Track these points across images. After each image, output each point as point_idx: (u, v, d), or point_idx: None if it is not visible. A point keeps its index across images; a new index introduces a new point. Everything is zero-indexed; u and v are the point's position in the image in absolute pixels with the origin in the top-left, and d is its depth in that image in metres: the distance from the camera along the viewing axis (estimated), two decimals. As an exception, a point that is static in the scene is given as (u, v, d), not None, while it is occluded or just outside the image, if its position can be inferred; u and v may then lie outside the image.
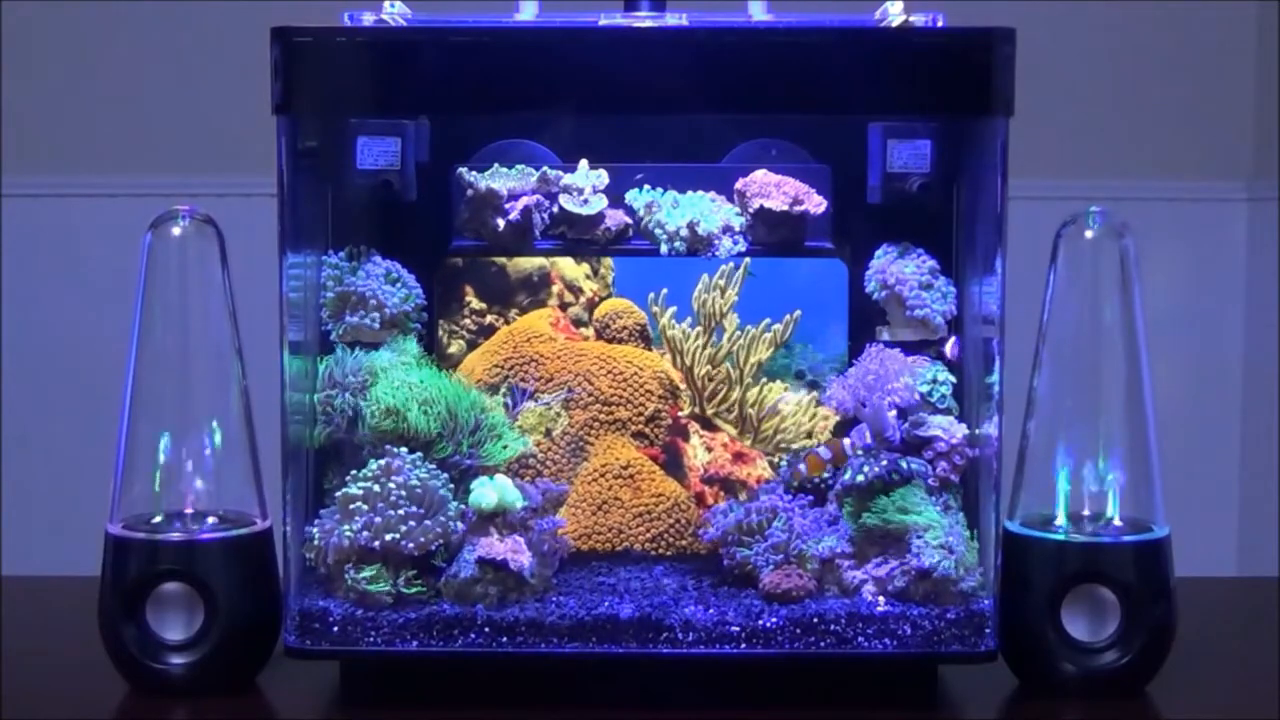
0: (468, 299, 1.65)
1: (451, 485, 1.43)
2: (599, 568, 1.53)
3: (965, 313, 1.50)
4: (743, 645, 1.40)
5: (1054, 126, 2.87)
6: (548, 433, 1.60)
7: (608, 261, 1.70)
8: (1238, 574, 2.94)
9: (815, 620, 1.40)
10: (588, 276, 1.70)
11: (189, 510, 1.46)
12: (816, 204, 1.53)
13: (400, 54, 1.41)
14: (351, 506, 1.41)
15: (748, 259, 1.60)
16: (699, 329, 1.65)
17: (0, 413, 2.99)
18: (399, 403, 1.44)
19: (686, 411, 1.66)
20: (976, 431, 1.47)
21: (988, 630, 1.41)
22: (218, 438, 1.46)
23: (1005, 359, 1.43)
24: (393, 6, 1.46)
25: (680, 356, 1.65)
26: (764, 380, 1.66)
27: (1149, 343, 1.47)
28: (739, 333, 1.65)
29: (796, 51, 1.41)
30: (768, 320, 1.63)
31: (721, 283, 1.64)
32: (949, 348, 1.51)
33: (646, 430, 1.62)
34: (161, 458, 1.46)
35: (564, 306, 1.69)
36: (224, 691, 1.43)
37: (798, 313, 1.63)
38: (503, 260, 1.66)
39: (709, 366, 1.65)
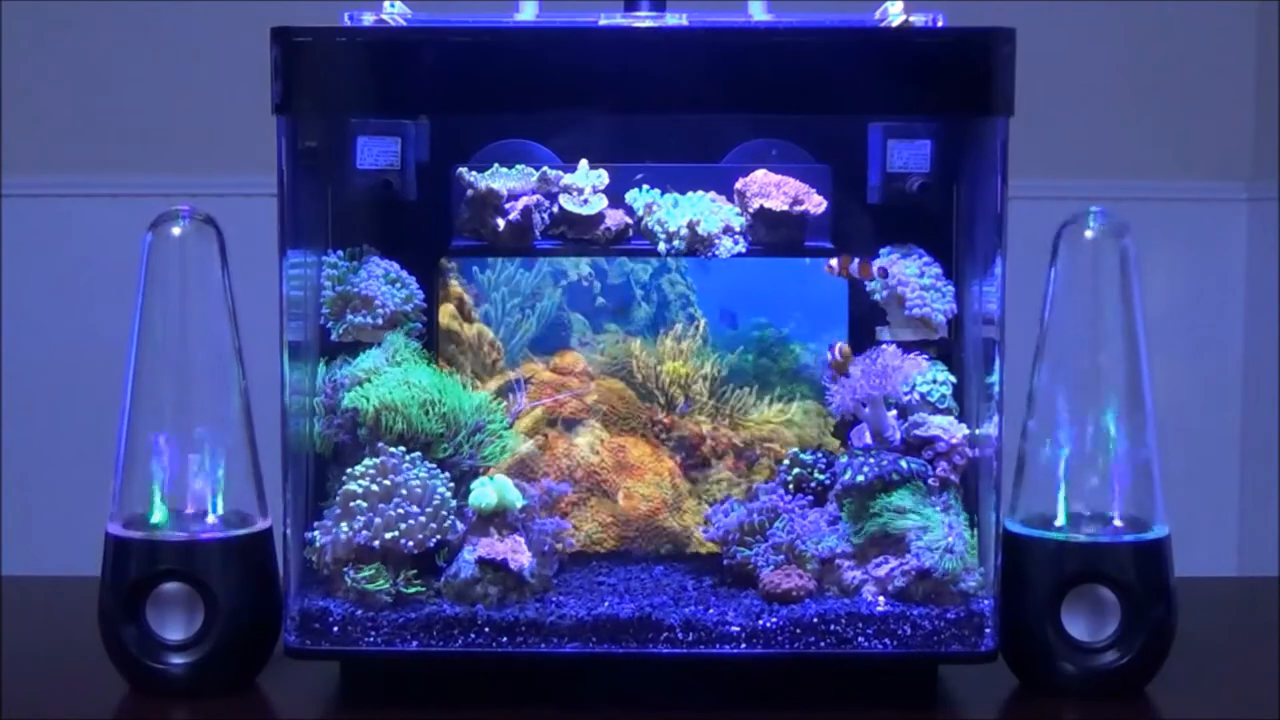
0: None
1: (452, 485, 1.44)
2: (599, 568, 1.53)
3: (965, 313, 1.51)
4: (743, 645, 1.40)
5: (1054, 126, 2.87)
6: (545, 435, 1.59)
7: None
8: (1238, 574, 2.94)
9: (815, 620, 1.40)
10: None
11: (189, 510, 1.46)
12: (816, 204, 1.53)
13: (400, 54, 1.41)
14: (353, 504, 1.41)
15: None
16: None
17: (0, 413, 2.99)
18: (400, 402, 1.44)
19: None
20: (976, 431, 1.47)
21: (988, 630, 1.41)
22: (218, 438, 1.46)
23: (1005, 359, 1.43)
24: (393, 6, 1.46)
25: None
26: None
27: (1149, 343, 1.47)
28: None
29: (796, 51, 1.41)
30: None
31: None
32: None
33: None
34: (161, 458, 1.46)
35: None
36: (224, 691, 1.43)
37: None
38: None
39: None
